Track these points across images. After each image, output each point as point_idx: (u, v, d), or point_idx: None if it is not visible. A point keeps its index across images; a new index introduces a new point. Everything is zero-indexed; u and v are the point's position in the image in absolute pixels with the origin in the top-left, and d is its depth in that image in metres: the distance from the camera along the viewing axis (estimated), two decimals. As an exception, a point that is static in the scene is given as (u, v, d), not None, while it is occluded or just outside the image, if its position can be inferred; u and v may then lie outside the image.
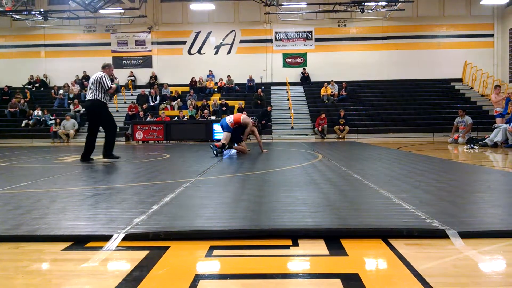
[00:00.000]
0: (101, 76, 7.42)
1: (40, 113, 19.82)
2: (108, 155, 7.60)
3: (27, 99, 21.63)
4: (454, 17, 23.20)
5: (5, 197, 3.89)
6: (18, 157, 9.19)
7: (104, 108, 7.54)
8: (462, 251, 2.21)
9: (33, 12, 21.28)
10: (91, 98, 7.44)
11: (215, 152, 8.32)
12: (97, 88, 7.40)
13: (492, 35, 23.11)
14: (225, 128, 8.93)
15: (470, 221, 2.69)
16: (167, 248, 2.33)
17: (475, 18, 23.09)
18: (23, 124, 19.75)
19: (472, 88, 22.16)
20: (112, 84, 7.49)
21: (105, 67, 7.66)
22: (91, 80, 7.53)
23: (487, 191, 4.02)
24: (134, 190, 4.19)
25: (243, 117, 9.14)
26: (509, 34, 22.12)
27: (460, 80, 23.02)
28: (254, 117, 9.60)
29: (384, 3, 20.81)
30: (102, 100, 7.45)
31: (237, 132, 9.01)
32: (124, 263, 2.13)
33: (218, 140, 16.24)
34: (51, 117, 19.42)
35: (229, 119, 9.00)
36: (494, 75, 22.08)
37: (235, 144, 9.09)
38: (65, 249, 2.35)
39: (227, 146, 8.81)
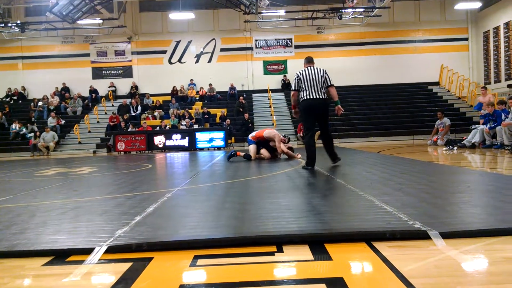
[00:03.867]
0: (326, 71, 6.59)
1: (17, 127, 19.40)
2: (335, 157, 6.91)
3: (5, 111, 21.18)
4: (429, 22, 23.73)
5: (-18, 213, 3.79)
6: (-4, 172, 8.98)
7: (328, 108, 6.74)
8: (444, 251, 2.24)
9: (9, 24, 20.93)
10: (322, 97, 6.49)
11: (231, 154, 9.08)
12: (323, 85, 6.50)
13: (466, 39, 23.71)
14: (249, 142, 9.28)
15: (451, 222, 2.73)
16: (150, 259, 2.30)
17: (450, 22, 23.67)
18: (11, 136, 19.32)
19: (449, 91, 22.63)
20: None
21: (311, 61, 6.78)
22: (313, 77, 6.46)
23: (466, 191, 4.09)
24: (116, 201, 4.13)
25: (266, 132, 9.08)
26: (483, 38, 22.72)
27: (437, 84, 23.50)
28: (285, 135, 9.25)
29: (361, 10, 21.14)
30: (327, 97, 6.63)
31: (265, 144, 9.11)
32: (107, 276, 2.10)
33: (202, 149, 16.40)
34: (32, 130, 19.05)
35: (251, 134, 9.30)
36: (470, 77, 22.59)
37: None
38: (46, 264, 2.30)
39: (252, 158, 8.97)
